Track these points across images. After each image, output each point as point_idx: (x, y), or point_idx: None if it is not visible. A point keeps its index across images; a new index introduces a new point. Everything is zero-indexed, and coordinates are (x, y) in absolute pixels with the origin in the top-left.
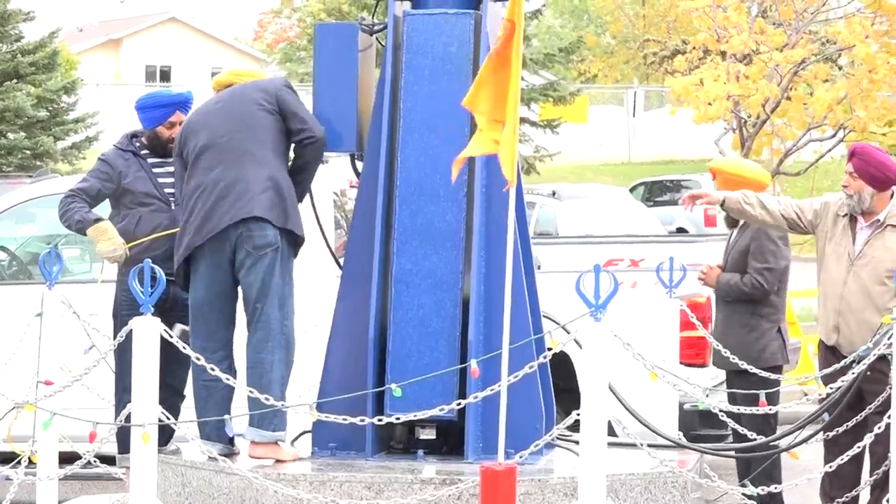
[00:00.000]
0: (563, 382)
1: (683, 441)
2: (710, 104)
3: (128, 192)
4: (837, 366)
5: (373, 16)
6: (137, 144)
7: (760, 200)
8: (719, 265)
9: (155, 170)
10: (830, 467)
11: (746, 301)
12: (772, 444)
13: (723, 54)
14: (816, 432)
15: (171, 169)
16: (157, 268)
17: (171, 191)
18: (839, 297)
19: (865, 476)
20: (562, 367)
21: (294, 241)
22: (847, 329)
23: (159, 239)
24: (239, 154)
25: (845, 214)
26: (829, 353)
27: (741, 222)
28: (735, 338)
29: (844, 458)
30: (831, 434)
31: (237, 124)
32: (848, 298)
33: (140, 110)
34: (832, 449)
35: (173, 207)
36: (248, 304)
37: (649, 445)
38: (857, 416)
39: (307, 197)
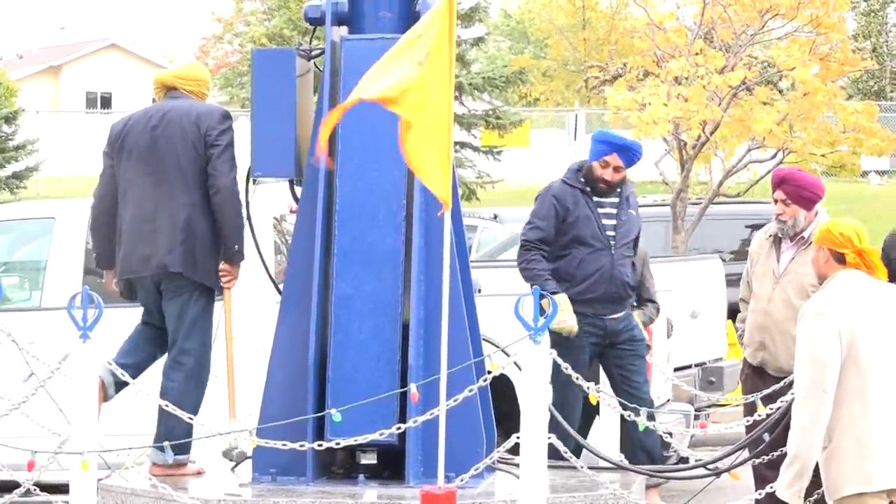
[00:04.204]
0: (503, 405)
1: (625, 463)
2: (654, 123)
3: (570, 230)
4: (776, 386)
5: (310, 41)
6: (583, 180)
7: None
8: None
9: (599, 210)
10: (772, 488)
11: None
12: (712, 465)
13: (659, 76)
14: (755, 454)
15: (610, 210)
16: (94, 294)
17: (612, 233)
18: (764, 313)
19: None
20: (502, 391)
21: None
22: (772, 344)
23: (598, 283)
24: (163, 196)
25: (770, 236)
26: (755, 374)
27: None
28: None
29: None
30: (774, 455)
31: (167, 162)
32: (773, 314)
33: (591, 141)
34: (763, 470)
35: (613, 252)
36: (169, 331)
37: (590, 468)
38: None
39: (247, 222)
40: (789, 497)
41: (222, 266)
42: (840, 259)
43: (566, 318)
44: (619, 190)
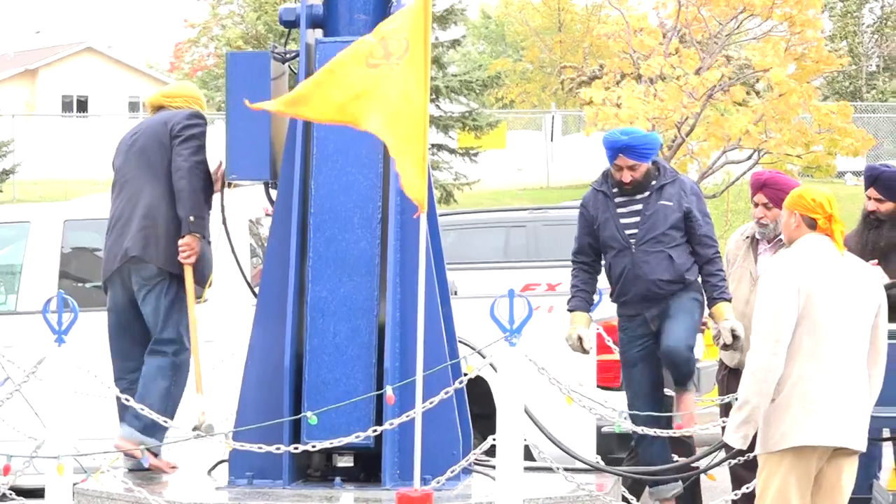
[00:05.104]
0: (479, 407)
1: (601, 464)
2: (631, 123)
3: (599, 236)
4: None
5: (285, 44)
6: (610, 182)
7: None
8: None
9: (619, 210)
10: (748, 488)
11: None
12: (690, 465)
13: (638, 77)
14: (731, 455)
15: (636, 207)
16: (69, 298)
17: (633, 231)
18: (742, 316)
19: None
20: (479, 392)
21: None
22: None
23: (626, 284)
24: (134, 192)
25: (747, 238)
26: (732, 376)
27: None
28: None
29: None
30: (750, 456)
31: (139, 163)
32: (750, 315)
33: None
34: (740, 471)
35: (633, 250)
36: (149, 326)
37: (566, 469)
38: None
39: (223, 227)
40: (734, 441)
41: (181, 241)
42: (811, 224)
43: (570, 332)
44: (653, 183)
